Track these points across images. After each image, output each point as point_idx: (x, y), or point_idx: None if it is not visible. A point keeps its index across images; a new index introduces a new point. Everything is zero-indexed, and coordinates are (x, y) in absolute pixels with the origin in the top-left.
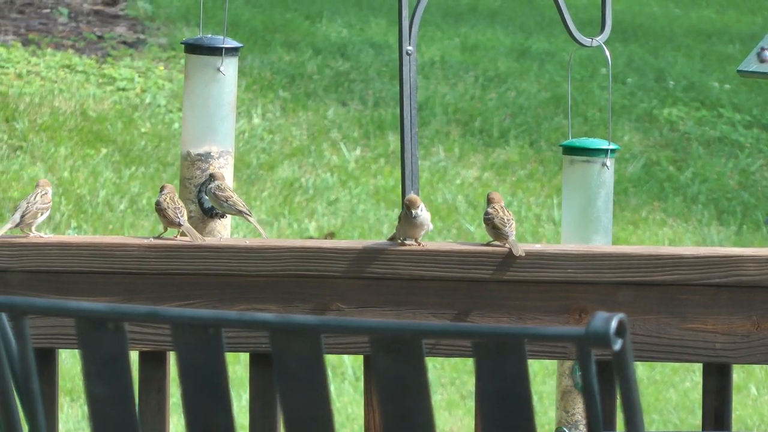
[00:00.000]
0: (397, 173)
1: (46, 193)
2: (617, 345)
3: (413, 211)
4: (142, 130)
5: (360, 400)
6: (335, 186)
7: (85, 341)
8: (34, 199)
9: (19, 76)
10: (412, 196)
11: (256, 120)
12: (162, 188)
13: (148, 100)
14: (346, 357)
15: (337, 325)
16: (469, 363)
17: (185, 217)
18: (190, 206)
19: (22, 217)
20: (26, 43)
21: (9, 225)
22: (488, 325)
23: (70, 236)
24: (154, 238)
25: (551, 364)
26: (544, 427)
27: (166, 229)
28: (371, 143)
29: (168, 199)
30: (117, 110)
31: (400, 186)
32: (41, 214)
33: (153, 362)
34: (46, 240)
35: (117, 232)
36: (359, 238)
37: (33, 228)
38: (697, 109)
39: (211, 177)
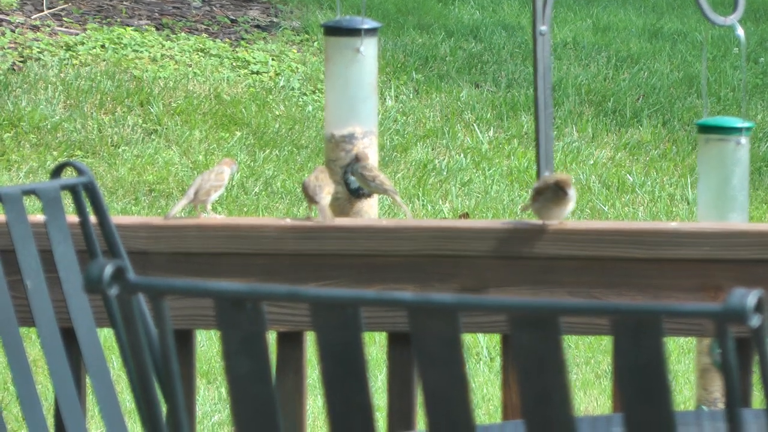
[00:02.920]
0: (531, 154)
1: (222, 172)
2: (755, 321)
3: (568, 192)
4: (276, 113)
5: (495, 380)
6: (469, 167)
7: (224, 321)
8: (209, 176)
9: (153, 60)
10: (565, 176)
11: (389, 102)
12: (314, 170)
13: (281, 84)
14: (481, 337)
15: (475, 304)
16: (604, 342)
17: (323, 194)
18: (336, 187)
19: (196, 193)
20: (160, 27)
21: (184, 201)
22: (626, 302)
23: (207, 218)
24: (291, 219)
25: (686, 343)
26: (680, 406)
27: (310, 208)
28: (504, 124)
29: (313, 178)
30: (251, 93)
31: (534, 167)
32: (214, 192)
33: (290, 343)
34: (184, 222)
35: (251, 215)
36: (493, 219)
37: (208, 206)
38: None
39: (356, 158)
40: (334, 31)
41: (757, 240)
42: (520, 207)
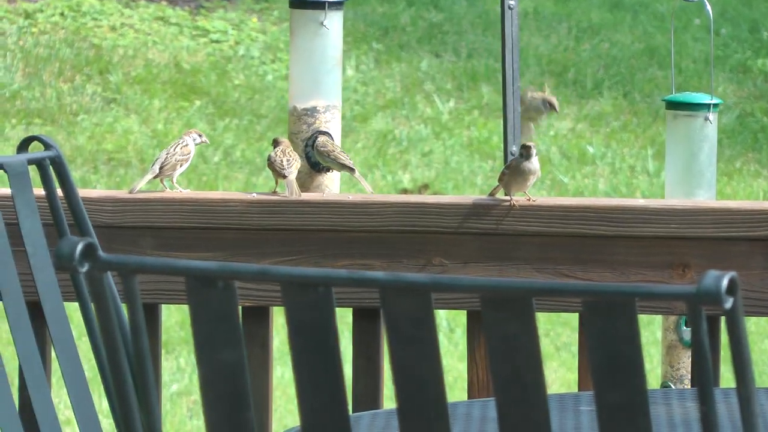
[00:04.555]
0: (492, 125)
1: (186, 144)
2: (728, 303)
3: (533, 152)
4: (236, 82)
5: (454, 351)
6: (429, 138)
7: (194, 299)
8: (174, 149)
9: (113, 28)
10: (528, 142)
11: (350, 72)
12: (276, 143)
13: (241, 52)
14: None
15: (448, 284)
16: (563, 315)
17: (293, 169)
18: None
19: (161, 168)
20: None
21: (149, 176)
22: (599, 283)
23: (173, 192)
24: (258, 193)
25: (646, 317)
26: None
27: (277, 183)
28: (465, 95)
29: (279, 152)
30: (210, 62)
31: (494, 137)
32: (180, 166)
33: (257, 318)
34: (150, 196)
35: (211, 184)
36: (453, 190)
37: (174, 180)
38: None
39: (318, 132)
40: (299, 3)
41: (724, 218)
42: (489, 193)
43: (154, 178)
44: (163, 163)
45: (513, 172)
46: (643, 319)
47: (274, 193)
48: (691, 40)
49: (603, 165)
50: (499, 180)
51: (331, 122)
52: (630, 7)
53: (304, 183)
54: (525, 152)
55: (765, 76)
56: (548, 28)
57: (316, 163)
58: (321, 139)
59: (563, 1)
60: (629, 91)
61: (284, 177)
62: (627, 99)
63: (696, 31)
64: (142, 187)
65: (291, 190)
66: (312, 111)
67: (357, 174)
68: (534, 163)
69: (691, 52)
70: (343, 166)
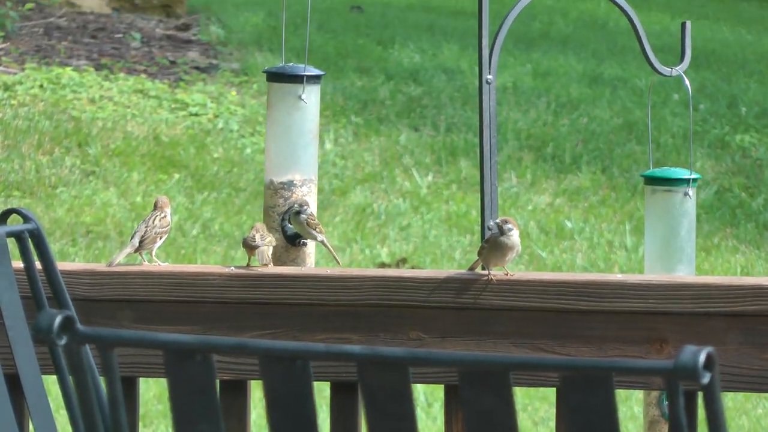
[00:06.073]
0: (470, 199)
1: (165, 216)
2: (706, 379)
3: (508, 226)
4: (215, 155)
5: (432, 426)
6: (407, 212)
7: (172, 373)
8: (153, 222)
9: (92, 101)
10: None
11: (328, 145)
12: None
13: (220, 126)
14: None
15: (425, 358)
16: (541, 390)
17: (265, 241)
18: (274, 235)
19: (141, 242)
20: (99, 67)
21: (128, 250)
22: (576, 358)
23: (151, 265)
24: (236, 267)
25: (624, 391)
26: None
27: (249, 259)
28: (443, 169)
29: (254, 231)
30: (189, 135)
31: (473, 212)
32: (160, 238)
33: (234, 391)
34: (129, 269)
35: (189, 258)
36: (431, 264)
37: (153, 253)
38: None
39: (301, 205)
40: (276, 77)
41: (702, 293)
42: (469, 267)
43: (135, 252)
44: (143, 237)
45: (492, 246)
46: (620, 394)
47: (248, 266)
48: (670, 115)
49: (581, 240)
50: (479, 254)
51: (308, 196)
52: (609, 82)
53: (281, 257)
54: (504, 227)
55: (743, 151)
56: (527, 102)
57: (293, 236)
58: (311, 212)
59: (542, 76)
60: (608, 166)
61: (256, 248)
62: (605, 174)
63: (674, 106)
64: (120, 260)
65: (262, 258)
66: (289, 185)
67: (331, 248)
68: (513, 238)
69: (669, 127)
70: (323, 241)
